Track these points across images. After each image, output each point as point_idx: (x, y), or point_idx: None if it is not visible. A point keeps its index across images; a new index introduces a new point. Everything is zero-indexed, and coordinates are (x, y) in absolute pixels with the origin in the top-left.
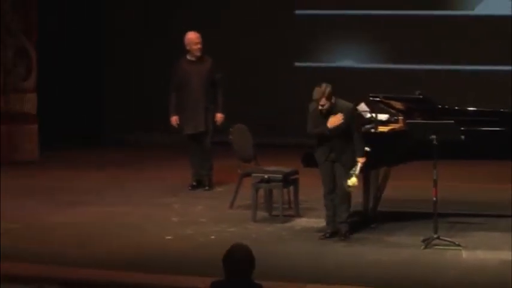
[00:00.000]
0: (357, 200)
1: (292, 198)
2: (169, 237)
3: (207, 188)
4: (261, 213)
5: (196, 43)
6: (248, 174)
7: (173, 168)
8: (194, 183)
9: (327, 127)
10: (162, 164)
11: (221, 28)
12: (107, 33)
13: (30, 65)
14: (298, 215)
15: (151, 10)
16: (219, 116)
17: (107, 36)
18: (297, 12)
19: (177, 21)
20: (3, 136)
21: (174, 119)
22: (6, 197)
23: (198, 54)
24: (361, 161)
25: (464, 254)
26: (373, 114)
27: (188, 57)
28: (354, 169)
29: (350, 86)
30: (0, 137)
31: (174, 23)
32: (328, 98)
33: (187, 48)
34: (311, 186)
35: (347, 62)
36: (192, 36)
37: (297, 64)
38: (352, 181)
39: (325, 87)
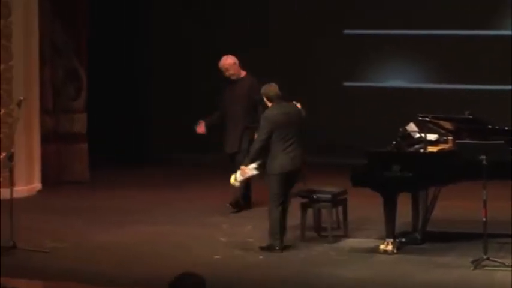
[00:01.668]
0: (406, 220)
1: (341, 218)
2: (217, 257)
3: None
4: (310, 233)
5: (226, 70)
6: (297, 194)
7: (219, 187)
8: (231, 202)
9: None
10: (208, 184)
11: (269, 48)
12: (154, 54)
13: (80, 85)
14: (347, 235)
15: (198, 30)
16: None
17: (153, 57)
18: (346, 31)
19: (224, 40)
20: (53, 156)
21: (200, 125)
22: (55, 217)
23: (233, 78)
24: (241, 168)
25: None
26: (422, 135)
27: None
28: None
29: (399, 105)
30: (50, 157)
31: (221, 43)
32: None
33: None
34: (360, 206)
35: (396, 82)
36: (221, 63)
37: (345, 84)
38: (232, 178)
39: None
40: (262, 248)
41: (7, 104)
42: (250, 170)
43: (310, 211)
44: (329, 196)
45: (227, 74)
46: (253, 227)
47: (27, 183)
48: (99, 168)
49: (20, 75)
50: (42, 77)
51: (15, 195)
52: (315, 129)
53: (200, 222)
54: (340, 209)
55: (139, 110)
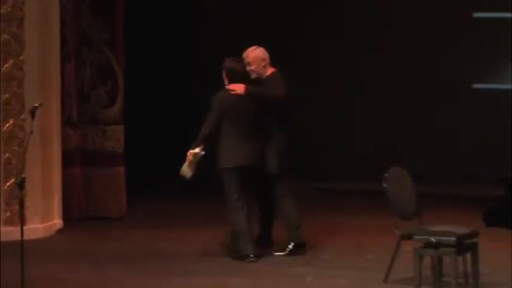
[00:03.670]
0: None
1: (469, 268)
2: None
3: None
4: None
5: (247, 63)
6: (409, 236)
7: (306, 223)
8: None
9: None
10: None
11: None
12: (203, 58)
13: (115, 87)
14: None
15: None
16: None
17: (203, 62)
18: (476, 14)
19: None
20: (79, 183)
21: None
22: (80, 264)
23: (252, 77)
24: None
25: None
26: None
27: None
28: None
29: None
30: (74, 184)
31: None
32: None
33: None
34: (495, 253)
35: None
36: (245, 53)
37: (475, 86)
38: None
39: None
40: (233, 257)
41: (17, 112)
42: (195, 151)
43: (427, 259)
44: (453, 239)
45: (247, 68)
46: (349, 280)
47: (44, 220)
48: (140, 200)
49: (35, 73)
50: (64, 76)
51: (27, 235)
52: (433, 145)
53: (274, 272)
54: (468, 256)
55: (189, 124)
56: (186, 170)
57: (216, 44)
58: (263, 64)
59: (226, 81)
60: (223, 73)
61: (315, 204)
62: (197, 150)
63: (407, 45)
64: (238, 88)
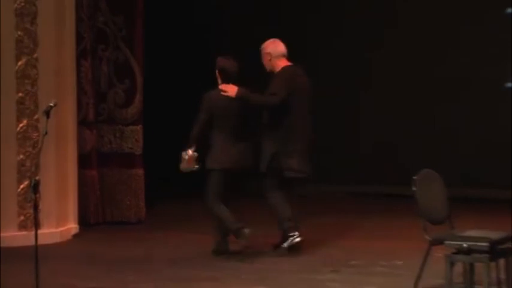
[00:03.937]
0: None
1: (502, 276)
2: None
3: None
4: None
5: None
6: (439, 242)
7: (327, 229)
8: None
9: None
10: (310, 223)
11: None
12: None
13: (133, 86)
14: None
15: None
16: None
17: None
18: (509, 10)
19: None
20: (95, 186)
21: None
22: (96, 271)
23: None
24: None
25: None
26: None
27: None
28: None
29: None
30: (90, 187)
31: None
32: None
33: None
34: None
35: None
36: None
37: (509, 85)
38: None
39: None
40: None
41: (31, 112)
42: (185, 155)
43: (458, 265)
44: (486, 245)
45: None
46: (377, 287)
47: (59, 224)
48: (160, 203)
49: (49, 72)
50: (80, 75)
51: (42, 240)
52: (465, 148)
53: (299, 279)
54: (502, 262)
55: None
56: (185, 167)
57: (234, 43)
58: (268, 58)
59: (219, 81)
60: (216, 72)
61: (332, 207)
62: (189, 151)
63: (409, 45)
64: (231, 90)
